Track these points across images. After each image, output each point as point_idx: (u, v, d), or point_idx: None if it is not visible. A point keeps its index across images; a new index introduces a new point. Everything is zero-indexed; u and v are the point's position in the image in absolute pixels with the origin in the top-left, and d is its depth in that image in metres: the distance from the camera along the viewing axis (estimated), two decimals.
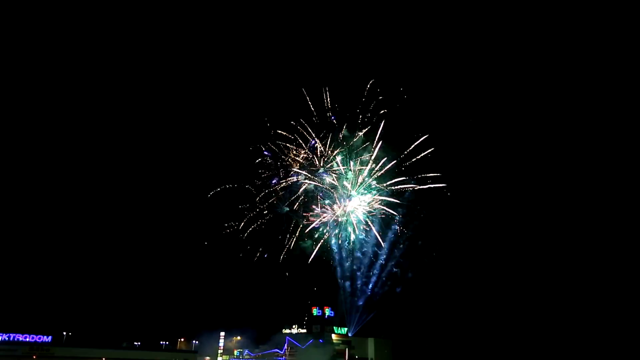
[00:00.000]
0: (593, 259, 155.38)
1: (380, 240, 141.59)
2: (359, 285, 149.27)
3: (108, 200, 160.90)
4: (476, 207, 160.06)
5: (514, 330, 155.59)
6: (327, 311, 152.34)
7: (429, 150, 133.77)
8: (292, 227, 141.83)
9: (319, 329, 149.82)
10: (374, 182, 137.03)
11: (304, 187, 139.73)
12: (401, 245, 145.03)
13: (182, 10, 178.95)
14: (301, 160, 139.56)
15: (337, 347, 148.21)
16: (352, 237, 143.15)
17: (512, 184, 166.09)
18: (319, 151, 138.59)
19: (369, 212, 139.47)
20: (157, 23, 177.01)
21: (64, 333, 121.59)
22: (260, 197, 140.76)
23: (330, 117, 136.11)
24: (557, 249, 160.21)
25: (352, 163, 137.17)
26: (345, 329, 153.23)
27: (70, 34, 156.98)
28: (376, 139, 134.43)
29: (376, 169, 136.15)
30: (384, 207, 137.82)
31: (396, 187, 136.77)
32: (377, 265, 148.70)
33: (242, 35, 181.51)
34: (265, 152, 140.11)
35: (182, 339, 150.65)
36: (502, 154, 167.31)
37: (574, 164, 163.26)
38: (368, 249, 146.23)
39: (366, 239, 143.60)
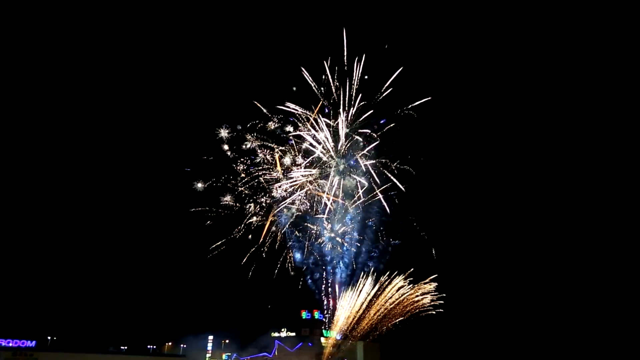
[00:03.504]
0: (592, 258, 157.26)
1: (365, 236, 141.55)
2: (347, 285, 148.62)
3: (93, 203, 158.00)
4: (472, 206, 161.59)
5: (504, 334, 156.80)
6: (316, 314, 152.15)
7: None
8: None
9: (308, 332, 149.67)
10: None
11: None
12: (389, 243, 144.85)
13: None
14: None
15: (325, 351, 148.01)
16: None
17: (508, 181, 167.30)
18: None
19: None
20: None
21: (49, 338, 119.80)
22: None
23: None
24: (553, 252, 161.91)
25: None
26: (334, 332, 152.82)
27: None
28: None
29: None
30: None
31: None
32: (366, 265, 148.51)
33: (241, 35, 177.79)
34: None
35: (170, 343, 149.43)
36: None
37: (573, 164, 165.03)
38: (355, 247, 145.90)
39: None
